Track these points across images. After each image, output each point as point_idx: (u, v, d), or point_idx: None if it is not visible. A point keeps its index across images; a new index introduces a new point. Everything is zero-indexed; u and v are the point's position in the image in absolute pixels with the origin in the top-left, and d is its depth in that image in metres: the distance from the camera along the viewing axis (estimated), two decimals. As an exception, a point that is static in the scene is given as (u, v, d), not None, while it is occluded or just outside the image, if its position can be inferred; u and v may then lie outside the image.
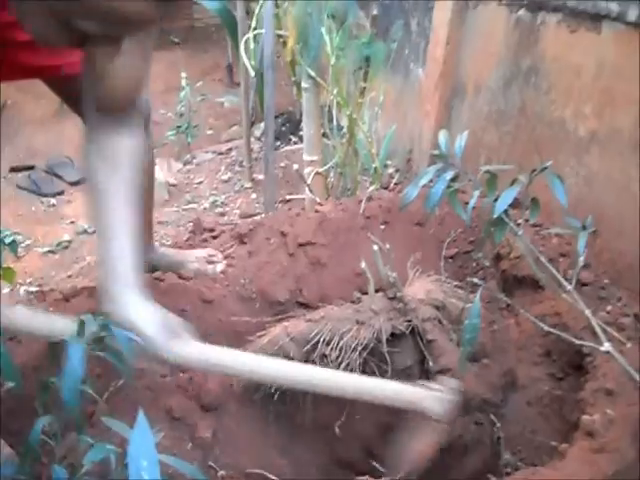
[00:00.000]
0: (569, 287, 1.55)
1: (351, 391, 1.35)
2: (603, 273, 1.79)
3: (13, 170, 3.92)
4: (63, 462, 1.13)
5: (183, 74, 3.68)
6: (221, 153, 3.65)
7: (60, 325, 1.19)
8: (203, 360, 1.27)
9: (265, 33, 2.04)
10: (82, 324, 1.06)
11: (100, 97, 1.28)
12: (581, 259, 1.63)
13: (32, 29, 0.94)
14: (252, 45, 2.19)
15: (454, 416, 1.43)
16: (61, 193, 3.68)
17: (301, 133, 3.77)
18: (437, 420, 1.39)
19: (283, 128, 3.94)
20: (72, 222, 3.33)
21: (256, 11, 2.08)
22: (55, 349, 1.06)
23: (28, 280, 2.77)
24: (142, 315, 1.22)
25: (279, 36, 2.18)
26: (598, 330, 1.39)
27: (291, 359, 1.57)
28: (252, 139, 3.43)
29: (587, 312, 1.48)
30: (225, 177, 3.29)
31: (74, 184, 3.76)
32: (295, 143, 3.69)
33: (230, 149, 3.70)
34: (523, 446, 1.68)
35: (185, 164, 3.54)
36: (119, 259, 1.26)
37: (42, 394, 1.11)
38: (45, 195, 3.65)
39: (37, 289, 2.55)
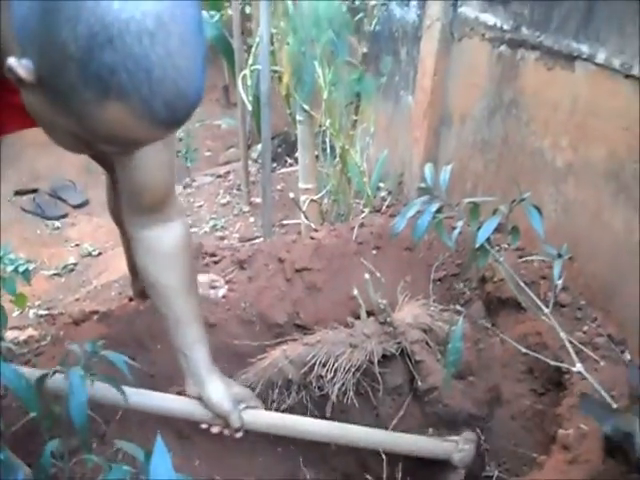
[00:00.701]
0: (546, 310, 1.68)
1: (387, 446, 1.65)
2: (580, 295, 1.91)
3: (17, 193, 4.04)
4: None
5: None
6: (220, 176, 3.78)
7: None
8: (264, 424, 1.59)
9: (262, 70, 2.17)
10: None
11: (142, 199, 1.39)
12: (559, 282, 1.76)
13: (58, 143, 1.04)
14: (249, 81, 2.31)
15: (471, 462, 1.68)
16: (65, 216, 3.81)
17: (297, 155, 3.91)
18: (458, 466, 1.67)
19: (279, 149, 4.05)
20: (77, 245, 3.44)
21: (253, 49, 2.21)
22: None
23: (37, 303, 2.88)
24: (221, 395, 1.50)
25: (274, 71, 2.31)
26: (571, 352, 1.52)
27: (289, 380, 1.70)
28: (249, 161, 3.56)
29: (562, 334, 1.60)
30: (224, 201, 3.42)
31: (77, 207, 3.88)
32: (291, 165, 3.81)
33: (228, 172, 3.83)
34: (507, 458, 1.79)
35: (185, 187, 3.67)
36: (192, 346, 1.51)
37: (46, 420, 1.22)
38: (49, 218, 3.77)
39: (46, 312, 2.66)
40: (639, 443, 1.16)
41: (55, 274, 3.12)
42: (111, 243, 3.36)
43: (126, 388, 1.45)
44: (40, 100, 0.90)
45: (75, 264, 3.21)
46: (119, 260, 3.05)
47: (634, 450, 1.17)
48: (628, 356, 1.74)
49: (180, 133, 3.71)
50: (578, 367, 1.46)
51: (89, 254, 3.30)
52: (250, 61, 2.29)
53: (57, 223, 3.71)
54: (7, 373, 1.01)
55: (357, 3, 2.67)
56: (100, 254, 3.31)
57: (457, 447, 1.67)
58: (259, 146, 3.99)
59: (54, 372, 1.15)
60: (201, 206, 3.44)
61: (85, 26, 0.77)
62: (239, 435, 1.55)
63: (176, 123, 0.92)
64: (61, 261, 3.24)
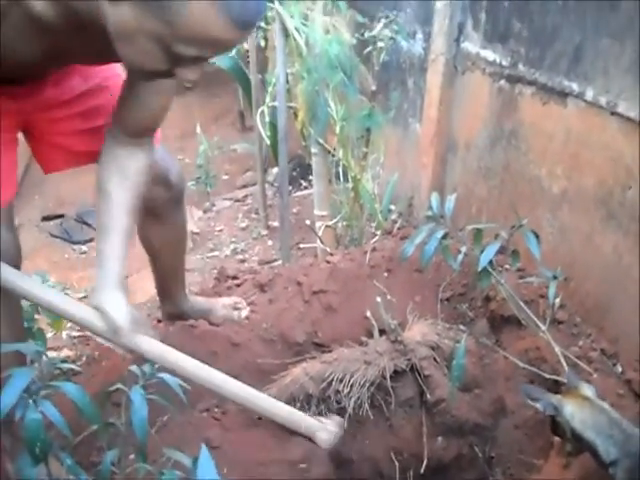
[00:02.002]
0: (543, 327, 1.84)
1: (258, 407, 1.73)
2: (575, 312, 2.07)
3: (45, 219, 4.23)
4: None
5: (198, 128, 4.00)
6: (238, 200, 3.96)
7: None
8: (151, 353, 1.57)
9: (279, 108, 2.35)
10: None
11: (129, 122, 1.56)
12: (556, 301, 1.93)
13: (131, 57, 1.21)
14: (267, 118, 2.49)
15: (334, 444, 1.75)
16: (91, 240, 3.97)
17: (311, 177, 4.09)
18: (321, 446, 1.74)
19: (294, 173, 4.20)
20: (104, 268, 3.61)
21: (269, 89, 2.39)
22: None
23: (69, 325, 3.04)
24: (117, 307, 1.52)
25: (290, 107, 2.49)
26: (564, 365, 1.68)
27: (310, 395, 1.86)
28: (266, 185, 3.73)
29: (557, 349, 1.77)
30: (243, 225, 3.60)
31: (103, 231, 4.06)
32: (305, 188, 3.98)
33: (246, 195, 4.00)
34: (512, 464, 1.94)
35: (205, 212, 3.85)
36: (110, 257, 1.57)
37: (103, 433, 1.39)
38: (77, 242, 3.95)
39: (79, 334, 2.83)
40: (566, 414, 1.46)
41: (84, 297, 3.29)
42: (136, 266, 3.52)
43: (45, 287, 1.61)
44: (131, 10, 1.10)
45: (103, 287, 3.38)
46: (146, 283, 3.22)
47: (566, 421, 1.46)
48: (620, 369, 1.90)
49: (200, 160, 3.90)
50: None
51: (117, 277, 3.47)
52: (267, 99, 2.47)
53: (84, 247, 3.89)
54: (70, 390, 1.18)
55: (366, 36, 2.85)
56: (127, 277, 3.49)
57: (322, 427, 1.74)
58: (275, 169, 4.17)
59: (115, 389, 1.32)
60: (221, 230, 3.61)
61: None
62: (128, 355, 1.64)
63: (247, 22, 1.13)
64: (90, 284, 3.41)
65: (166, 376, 1.38)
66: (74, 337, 2.84)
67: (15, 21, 1.21)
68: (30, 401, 1.14)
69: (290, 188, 4.00)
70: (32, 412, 1.14)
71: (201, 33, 1.10)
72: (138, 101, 1.53)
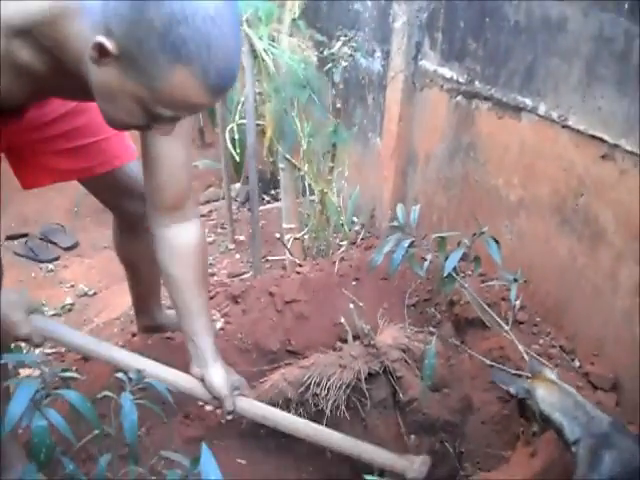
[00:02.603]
0: (506, 327, 1.97)
1: (355, 452, 1.86)
2: (535, 313, 2.20)
3: (9, 238, 4.22)
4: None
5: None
6: (203, 215, 4.01)
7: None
8: (254, 413, 1.80)
9: (248, 125, 2.44)
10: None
11: (164, 198, 1.62)
12: (517, 303, 2.05)
13: (112, 117, 1.30)
14: (236, 135, 2.58)
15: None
16: (57, 258, 3.99)
17: (272, 192, 4.18)
18: None
19: (255, 188, 4.31)
20: (72, 285, 3.64)
21: (239, 107, 2.48)
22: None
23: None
24: (220, 379, 1.71)
25: (257, 124, 2.58)
26: (527, 359, 1.81)
27: (289, 399, 1.95)
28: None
29: (520, 347, 1.90)
30: (210, 239, 3.66)
31: (68, 249, 4.07)
32: (268, 202, 4.07)
33: (210, 211, 4.07)
34: (480, 457, 2.04)
35: (171, 227, 3.89)
36: (201, 334, 1.71)
37: (97, 439, 1.46)
38: (42, 261, 3.95)
39: (53, 351, 2.86)
40: (537, 396, 1.58)
41: (55, 314, 3.32)
42: (105, 282, 3.57)
43: (143, 359, 1.72)
44: (115, 73, 1.17)
45: (72, 304, 3.42)
46: (117, 298, 3.27)
47: (536, 403, 1.58)
48: (577, 363, 2.03)
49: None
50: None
51: (85, 294, 3.51)
52: (237, 117, 2.56)
53: (50, 266, 3.90)
54: (72, 397, 1.25)
55: (325, 54, 2.96)
56: (95, 293, 3.52)
57: (412, 466, 1.85)
58: (237, 185, 4.25)
59: (103, 396, 1.39)
60: (189, 245, 3.67)
61: (168, 7, 1.08)
62: (229, 417, 1.77)
63: (221, 90, 1.23)
64: (59, 302, 3.44)
65: (153, 381, 1.46)
66: (48, 354, 2.87)
67: (4, 69, 1.26)
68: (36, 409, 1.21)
69: (253, 202, 4.10)
70: (38, 419, 1.21)
71: (179, 98, 1.19)
72: (164, 178, 1.59)
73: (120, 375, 1.41)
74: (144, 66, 1.14)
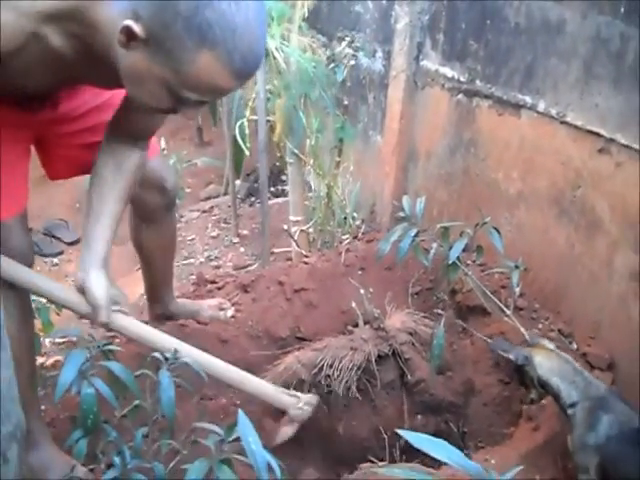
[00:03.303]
0: (508, 312, 2.07)
1: (237, 383, 1.86)
2: (534, 299, 2.32)
3: (12, 234, 4.29)
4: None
5: (163, 143, 4.15)
6: (205, 211, 4.12)
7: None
8: (125, 329, 1.72)
9: (259, 121, 2.54)
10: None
11: (129, 128, 1.69)
12: (517, 290, 2.16)
13: (139, 96, 1.38)
14: (247, 130, 2.68)
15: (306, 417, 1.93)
16: (61, 253, 4.08)
17: (272, 189, 4.27)
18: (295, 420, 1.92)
19: (256, 185, 4.38)
20: (77, 279, 3.72)
21: (250, 103, 2.58)
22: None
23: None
24: (100, 286, 1.62)
25: (267, 120, 2.68)
26: (528, 339, 1.91)
27: (302, 381, 2.04)
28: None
29: (522, 330, 2.00)
30: (214, 234, 3.76)
31: (72, 244, 4.16)
32: (269, 199, 4.16)
33: (212, 207, 4.16)
34: (483, 437, 2.15)
35: (175, 223, 3.99)
36: (98, 239, 1.66)
37: (132, 413, 1.55)
38: (47, 255, 4.03)
39: (64, 340, 2.94)
40: (535, 363, 1.69)
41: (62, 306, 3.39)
42: (121, 272, 3.66)
43: (31, 272, 1.69)
44: (143, 56, 1.24)
45: (79, 296, 3.49)
46: (130, 287, 3.35)
47: (534, 369, 1.69)
48: (575, 345, 2.15)
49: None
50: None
51: (90, 287, 3.59)
52: (247, 113, 2.65)
53: (55, 260, 3.98)
54: (116, 368, 1.35)
55: (328, 54, 3.07)
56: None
57: (297, 403, 1.90)
58: (237, 182, 4.34)
59: (140, 374, 1.49)
60: (193, 239, 3.77)
61: None
62: (103, 329, 1.75)
63: (245, 75, 1.29)
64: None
65: (187, 358, 1.56)
66: (58, 343, 2.95)
67: (34, 52, 1.33)
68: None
69: (254, 199, 4.20)
70: (86, 387, 1.31)
71: (205, 82, 1.26)
72: (137, 115, 1.65)
73: (157, 354, 1.50)
74: (170, 50, 1.21)
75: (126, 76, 1.34)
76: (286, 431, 1.93)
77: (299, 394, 1.93)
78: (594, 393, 1.58)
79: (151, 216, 2.13)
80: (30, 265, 1.71)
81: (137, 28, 1.20)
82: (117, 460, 1.33)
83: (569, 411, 1.59)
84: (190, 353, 1.73)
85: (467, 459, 1.00)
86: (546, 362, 1.67)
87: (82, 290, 1.63)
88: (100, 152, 1.72)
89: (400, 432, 1.05)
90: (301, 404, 1.90)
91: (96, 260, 1.65)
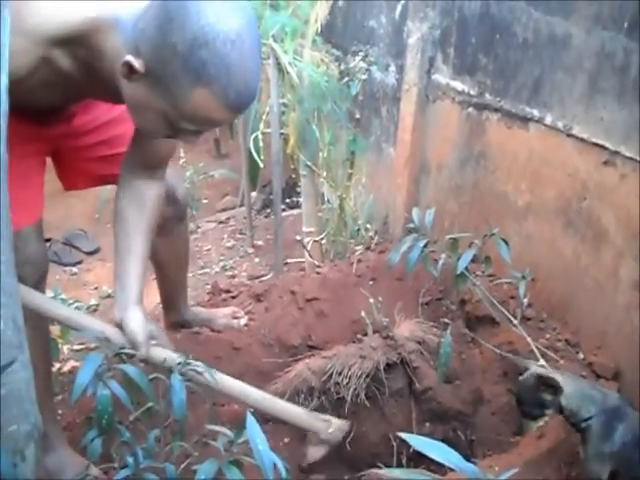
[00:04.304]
0: (516, 322, 2.10)
1: (269, 409, 1.85)
2: (542, 309, 2.35)
3: (33, 243, 4.37)
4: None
5: (182, 152, 4.24)
6: (221, 222, 4.19)
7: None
8: (167, 363, 1.69)
9: (273, 134, 2.60)
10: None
11: (144, 159, 1.74)
12: (525, 300, 2.19)
13: (140, 123, 1.46)
14: (261, 143, 2.74)
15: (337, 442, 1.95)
16: (80, 262, 4.16)
17: (287, 200, 4.33)
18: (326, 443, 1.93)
19: (271, 196, 4.44)
20: (95, 288, 3.79)
21: (264, 117, 2.64)
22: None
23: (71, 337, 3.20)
24: (138, 322, 1.66)
25: (281, 133, 2.74)
26: (536, 352, 1.95)
27: (312, 388, 2.08)
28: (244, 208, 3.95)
29: (529, 340, 2.03)
30: (229, 244, 3.83)
31: (90, 254, 4.24)
32: (283, 210, 4.22)
33: (228, 218, 4.24)
34: (491, 446, 2.18)
35: (191, 233, 4.06)
36: (130, 277, 1.72)
37: (144, 416, 1.60)
38: (66, 265, 4.11)
39: (82, 347, 3.00)
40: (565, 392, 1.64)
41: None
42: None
43: (69, 309, 1.75)
44: (143, 89, 1.31)
45: (97, 305, 3.57)
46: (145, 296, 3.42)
47: (564, 396, 1.63)
48: (582, 355, 2.18)
49: (186, 185, 4.11)
50: (541, 362, 1.89)
51: (108, 295, 3.65)
52: (261, 126, 2.72)
53: (74, 269, 4.06)
54: (131, 371, 1.40)
55: (342, 67, 3.13)
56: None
57: (327, 428, 1.90)
58: (253, 194, 4.41)
59: (154, 377, 1.54)
60: (209, 250, 3.84)
61: (190, 32, 1.21)
62: (141, 365, 1.72)
63: (241, 108, 1.34)
64: (83, 303, 3.59)
65: (199, 363, 1.61)
66: (76, 350, 3.01)
67: (44, 73, 1.39)
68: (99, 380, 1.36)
69: (269, 210, 4.26)
70: (102, 389, 1.36)
71: (201, 115, 1.32)
72: (149, 142, 1.71)
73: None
74: (168, 85, 1.27)
75: (128, 103, 1.42)
76: (316, 452, 1.96)
77: (332, 419, 1.94)
78: (609, 404, 1.60)
79: (164, 226, 2.15)
80: (44, 273, 1.76)
81: (137, 63, 1.27)
82: (130, 460, 1.37)
83: (583, 424, 1.60)
84: (222, 380, 1.75)
85: (464, 461, 1.02)
86: (568, 386, 1.64)
87: (120, 327, 1.67)
88: (120, 189, 1.77)
89: (402, 435, 1.08)
90: (331, 429, 1.91)
91: (131, 297, 1.69)
